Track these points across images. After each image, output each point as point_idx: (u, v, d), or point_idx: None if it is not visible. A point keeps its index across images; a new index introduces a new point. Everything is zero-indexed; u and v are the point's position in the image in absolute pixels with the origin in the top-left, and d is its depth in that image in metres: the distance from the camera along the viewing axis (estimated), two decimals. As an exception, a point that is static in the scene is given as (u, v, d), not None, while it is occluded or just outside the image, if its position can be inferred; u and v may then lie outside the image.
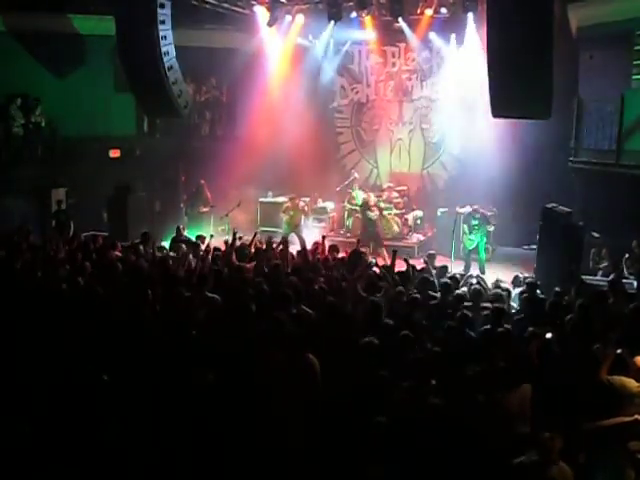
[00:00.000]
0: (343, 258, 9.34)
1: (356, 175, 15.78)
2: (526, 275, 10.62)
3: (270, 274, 7.83)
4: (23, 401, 4.44)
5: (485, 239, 12.67)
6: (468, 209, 13.65)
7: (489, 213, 13.38)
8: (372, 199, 13.57)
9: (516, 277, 9.13)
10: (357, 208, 14.39)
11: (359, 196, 14.39)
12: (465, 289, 7.91)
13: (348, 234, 14.59)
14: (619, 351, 5.13)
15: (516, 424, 4.63)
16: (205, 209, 14.48)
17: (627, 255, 11.15)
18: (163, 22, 11.10)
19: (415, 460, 3.86)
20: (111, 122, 14.74)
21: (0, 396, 4.50)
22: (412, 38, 15.10)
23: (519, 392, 4.77)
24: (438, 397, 4.39)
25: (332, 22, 15.17)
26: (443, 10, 14.30)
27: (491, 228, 12.79)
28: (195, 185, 14.87)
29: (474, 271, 11.47)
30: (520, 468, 3.86)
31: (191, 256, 8.99)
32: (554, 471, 3.89)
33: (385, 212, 14.09)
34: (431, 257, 9.91)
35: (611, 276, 10.38)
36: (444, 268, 9.02)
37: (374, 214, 13.22)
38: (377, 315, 6.00)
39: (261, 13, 14.58)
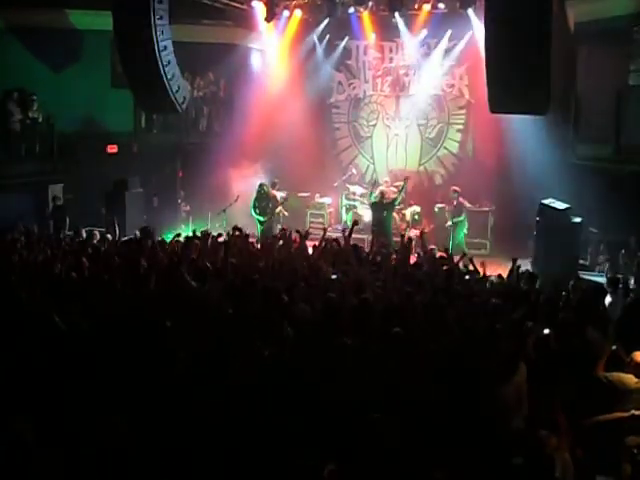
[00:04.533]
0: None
1: (354, 171, 15.83)
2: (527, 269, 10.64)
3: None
4: (24, 397, 4.45)
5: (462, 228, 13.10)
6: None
7: (467, 204, 13.47)
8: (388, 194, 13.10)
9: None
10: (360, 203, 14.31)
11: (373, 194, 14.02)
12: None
13: (346, 229, 14.58)
14: (614, 347, 5.15)
15: (513, 418, 4.65)
16: (279, 208, 13.87)
17: (624, 251, 11.17)
18: (161, 17, 11.07)
19: (413, 458, 3.86)
20: (108, 118, 14.71)
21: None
22: (408, 33, 15.16)
23: (515, 382, 4.77)
24: (436, 393, 4.40)
25: (330, 17, 15.26)
26: (441, 5, 14.34)
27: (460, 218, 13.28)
28: (253, 189, 13.81)
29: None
30: (519, 466, 3.87)
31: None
32: (552, 468, 3.90)
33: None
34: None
35: (607, 271, 10.43)
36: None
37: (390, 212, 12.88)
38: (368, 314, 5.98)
39: (259, 8, 14.57)
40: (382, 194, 12.89)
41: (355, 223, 10.01)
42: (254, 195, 13.44)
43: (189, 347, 5.22)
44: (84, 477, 3.78)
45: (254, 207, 13.36)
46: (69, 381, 4.67)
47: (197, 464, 4.00)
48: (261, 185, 13.41)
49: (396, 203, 12.89)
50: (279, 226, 13.35)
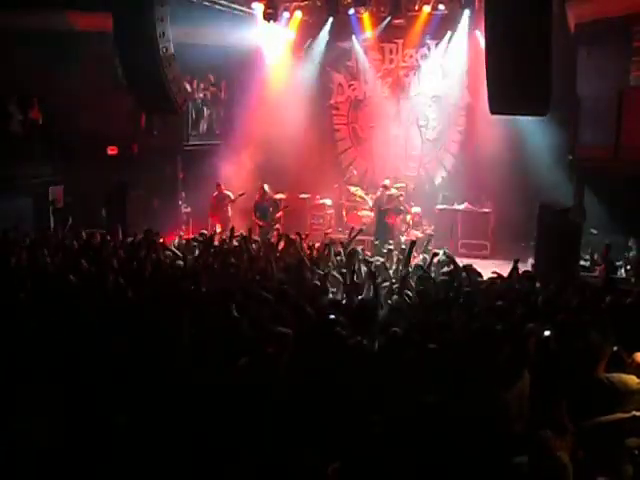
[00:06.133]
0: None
1: (354, 172, 15.84)
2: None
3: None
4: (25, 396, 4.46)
5: None
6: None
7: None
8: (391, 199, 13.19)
9: None
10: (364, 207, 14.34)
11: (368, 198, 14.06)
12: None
13: (346, 231, 14.57)
14: (616, 348, 5.14)
15: (514, 422, 4.64)
16: (279, 214, 13.88)
17: (625, 252, 11.17)
18: (161, 19, 11.07)
19: (411, 460, 3.86)
20: (109, 119, 14.70)
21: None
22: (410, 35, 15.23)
23: (518, 388, 4.77)
24: (433, 395, 4.39)
25: (330, 19, 15.28)
26: (441, 7, 14.38)
27: None
28: (258, 191, 13.97)
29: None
30: (519, 467, 3.86)
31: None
32: (553, 468, 3.89)
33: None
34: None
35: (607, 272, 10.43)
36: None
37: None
38: (370, 313, 6.00)
39: (259, 10, 14.59)
40: (379, 198, 12.99)
41: (360, 230, 10.11)
42: (255, 198, 13.54)
43: (192, 348, 5.23)
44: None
45: (254, 211, 13.39)
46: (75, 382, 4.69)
47: (200, 463, 4.01)
48: (262, 188, 13.48)
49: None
50: (275, 226, 13.41)
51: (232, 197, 13.97)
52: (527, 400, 4.77)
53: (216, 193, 14.11)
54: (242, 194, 13.92)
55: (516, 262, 8.63)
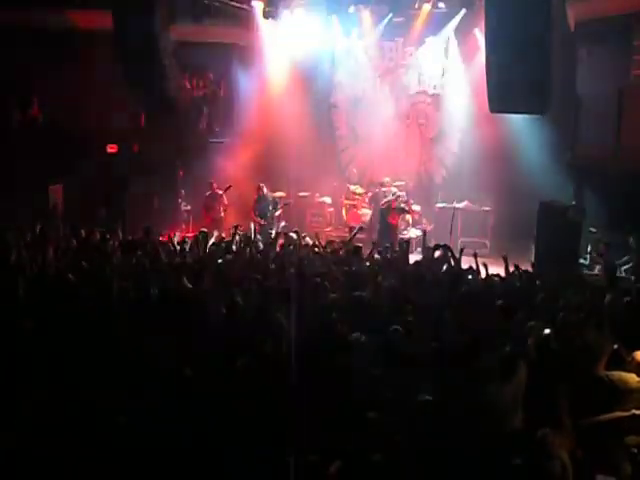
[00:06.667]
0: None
1: (354, 170, 15.84)
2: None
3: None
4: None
5: None
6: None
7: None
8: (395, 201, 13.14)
9: None
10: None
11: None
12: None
13: (346, 229, 14.58)
14: (616, 346, 5.15)
15: (512, 420, 4.64)
16: (278, 212, 13.84)
17: (624, 251, 11.17)
18: (161, 17, 11.08)
19: (411, 460, 3.86)
20: (108, 117, 14.69)
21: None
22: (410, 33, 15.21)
23: (514, 382, 4.77)
24: (433, 395, 4.39)
25: (330, 16, 15.28)
26: (441, 5, 14.38)
27: None
28: (256, 190, 13.89)
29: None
30: (520, 466, 3.86)
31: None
32: (553, 467, 3.89)
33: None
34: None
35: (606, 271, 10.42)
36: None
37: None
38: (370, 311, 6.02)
39: (259, 7, 14.59)
40: (376, 195, 13.03)
41: (360, 228, 10.15)
42: (254, 197, 13.54)
43: (192, 347, 5.24)
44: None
45: (254, 210, 13.40)
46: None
47: (200, 462, 4.01)
48: (260, 187, 13.48)
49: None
50: (282, 224, 13.39)
51: (223, 195, 13.90)
52: (522, 395, 4.77)
53: (209, 192, 14.05)
54: (228, 187, 13.84)
55: (505, 260, 8.65)
